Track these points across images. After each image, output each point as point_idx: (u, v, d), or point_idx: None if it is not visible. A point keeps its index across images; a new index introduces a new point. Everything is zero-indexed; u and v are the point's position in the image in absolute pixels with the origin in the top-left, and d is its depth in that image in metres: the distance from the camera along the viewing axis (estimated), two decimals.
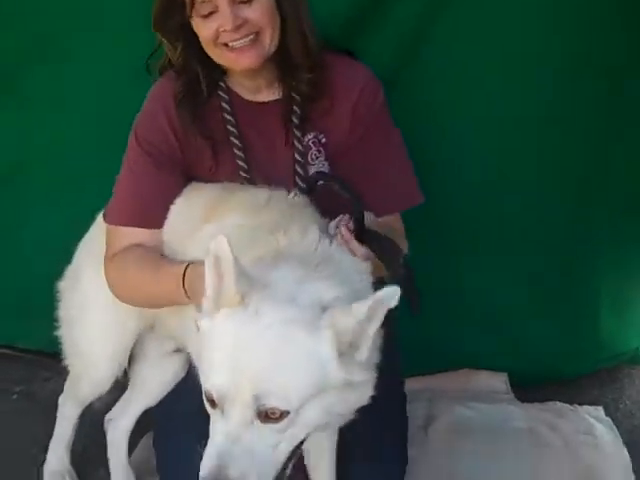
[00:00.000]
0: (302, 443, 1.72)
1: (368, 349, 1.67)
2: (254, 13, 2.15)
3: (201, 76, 2.31)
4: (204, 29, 2.19)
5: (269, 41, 2.20)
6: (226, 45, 2.19)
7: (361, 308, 1.62)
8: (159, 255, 2.27)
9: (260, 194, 2.19)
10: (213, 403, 1.64)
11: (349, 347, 1.66)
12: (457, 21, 2.77)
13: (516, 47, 2.80)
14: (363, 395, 1.75)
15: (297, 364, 1.63)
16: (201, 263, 1.93)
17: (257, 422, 1.60)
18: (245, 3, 2.14)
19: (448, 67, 2.84)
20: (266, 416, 1.59)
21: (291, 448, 1.67)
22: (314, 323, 1.64)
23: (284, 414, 1.60)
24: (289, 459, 1.68)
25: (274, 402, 1.59)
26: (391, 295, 1.61)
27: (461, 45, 2.80)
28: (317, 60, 2.30)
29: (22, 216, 3.29)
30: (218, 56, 2.25)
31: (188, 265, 2.07)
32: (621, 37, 2.80)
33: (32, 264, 3.25)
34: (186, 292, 2.05)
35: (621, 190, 3.15)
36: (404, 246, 2.30)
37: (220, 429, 1.62)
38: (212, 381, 1.64)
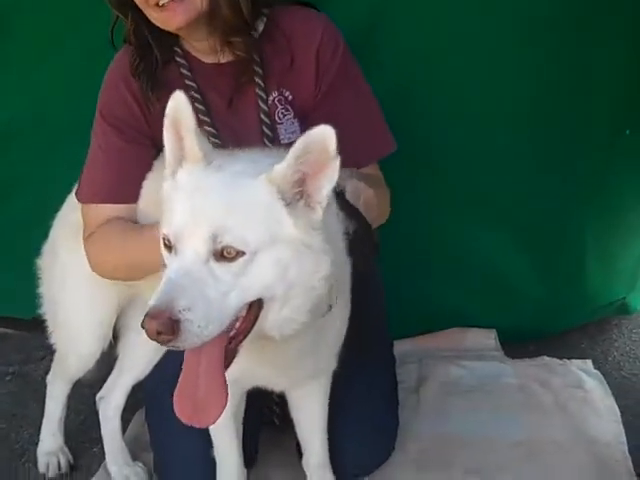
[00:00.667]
0: (255, 317, 1.71)
1: (322, 208, 1.68)
2: None
3: (152, 43, 2.30)
4: None
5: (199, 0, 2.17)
6: (157, 5, 2.15)
7: (290, 152, 1.65)
8: (137, 224, 2.29)
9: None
10: (169, 248, 1.68)
11: (299, 200, 1.69)
12: None
13: None
14: (320, 264, 1.72)
15: (251, 209, 1.67)
16: None
17: (212, 262, 1.62)
18: None
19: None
20: (221, 255, 1.62)
21: (241, 302, 1.66)
22: (262, 173, 1.68)
23: (239, 254, 1.62)
24: (236, 319, 1.68)
25: (229, 239, 1.61)
26: (323, 133, 1.65)
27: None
28: (254, 19, 2.27)
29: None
30: (152, 18, 2.22)
31: None
32: None
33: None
34: None
35: (604, 141, 3.14)
36: (385, 194, 2.31)
37: (174, 266, 1.64)
38: (170, 223, 1.67)
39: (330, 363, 2.23)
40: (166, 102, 2.24)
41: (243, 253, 1.62)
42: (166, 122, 1.74)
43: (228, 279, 1.63)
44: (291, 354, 1.96)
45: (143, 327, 1.56)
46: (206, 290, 1.60)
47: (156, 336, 1.56)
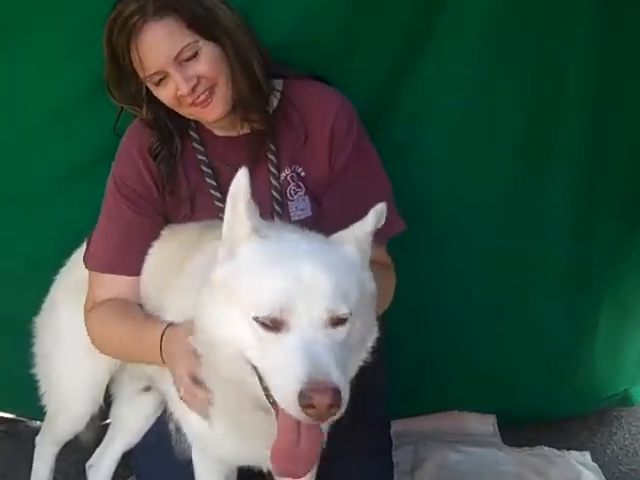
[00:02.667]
0: None
1: None
2: (203, 67, 2.14)
3: (172, 128, 2.31)
4: (163, 95, 2.20)
5: (226, 88, 2.19)
6: (191, 103, 2.19)
7: (368, 220, 1.79)
8: (139, 311, 2.25)
9: None
10: (269, 327, 1.62)
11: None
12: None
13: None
14: (373, 329, 1.82)
15: (349, 273, 1.73)
16: (180, 325, 1.99)
17: (329, 329, 1.63)
18: (191, 60, 2.13)
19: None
20: (333, 323, 1.64)
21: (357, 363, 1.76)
22: (340, 240, 1.79)
23: (346, 318, 1.65)
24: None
25: (345, 308, 1.65)
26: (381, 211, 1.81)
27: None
28: (266, 96, 2.28)
29: None
30: (187, 114, 2.26)
31: (168, 326, 2.05)
32: None
33: None
34: (162, 354, 2.04)
35: (613, 237, 3.14)
36: (390, 281, 2.30)
37: (295, 340, 1.60)
38: (271, 301, 1.62)
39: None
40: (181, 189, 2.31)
41: (349, 315, 1.66)
42: (229, 198, 1.73)
43: (343, 342, 1.65)
44: None
45: (306, 405, 1.53)
46: (338, 357, 1.60)
47: (327, 411, 1.54)
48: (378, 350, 1.85)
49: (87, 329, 2.32)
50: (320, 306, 1.62)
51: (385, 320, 1.98)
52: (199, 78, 2.15)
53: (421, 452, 3.17)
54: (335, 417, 1.57)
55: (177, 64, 2.12)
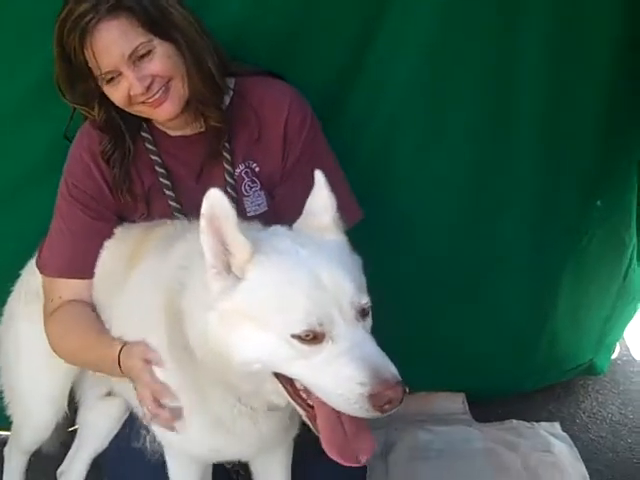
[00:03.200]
0: None
1: None
2: (157, 66, 2.12)
3: (124, 129, 2.27)
4: (114, 95, 2.17)
5: (181, 87, 2.17)
6: (142, 102, 2.16)
7: (320, 192, 1.86)
8: (95, 320, 2.23)
9: (173, 226, 2.18)
10: (309, 340, 1.63)
11: None
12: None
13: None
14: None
15: (348, 260, 1.78)
16: (135, 344, 2.01)
17: (361, 323, 1.68)
18: (144, 57, 2.11)
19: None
20: (362, 315, 1.69)
21: None
22: (312, 227, 1.83)
23: (369, 308, 1.72)
24: None
25: (364, 297, 1.71)
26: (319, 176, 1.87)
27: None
28: (222, 94, 2.27)
29: None
30: (137, 112, 2.23)
31: (123, 346, 2.05)
32: None
33: None
34: (121, 369, 2.05)
35: (575, 210, 3.17)
36: None
37: (341, 348, 1.62)
38: (307, 315, 1.63)
39: (293, 429, 2.19)
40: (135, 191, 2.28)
41: (370, 306, 1.73)
42: (203, 222, 1.70)
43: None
44: (275, 420, 1.97)
45: (381, 404, 1.58)
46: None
47: (400, 403, 1.59)
48: None
49: (47, 336, 2.29)
50: (348, 305, 1.66)
51: None
52: (153, 77, 2.12)
53: (392, 436, 3.19)
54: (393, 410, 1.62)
55: (131, 63, 2.10)
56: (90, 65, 2.14)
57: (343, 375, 1.60)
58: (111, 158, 2.27)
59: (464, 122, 2.88)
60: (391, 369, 1.60)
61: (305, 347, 1.64)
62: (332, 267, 1.69)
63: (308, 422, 1.77)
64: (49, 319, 2.29)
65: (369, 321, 1.72)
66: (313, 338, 1.63)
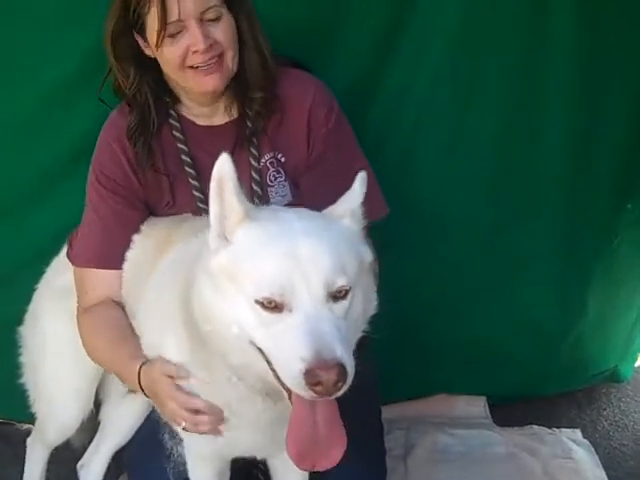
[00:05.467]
0: None
1: None
2: (221, 33, 2.14)
3: (152, 105, 2.28)
4: (172, 51, 2.15)
5: (231, 62, 2.19)
6: (192, 67, 2.16)
7: (355, 190, 1.81)
8: (126, 327, 2.23)
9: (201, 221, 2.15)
10: (270, 308, 1.63)
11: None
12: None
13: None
14: (373, 301, 1.83)
15: (343, 244, 1.73)
16: (153, 363, 2.02)
17: (330, 304, 1.64)
18: (213, 22, 2.13)
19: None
20: (334, 297, 1.65)
21: (356, 337, 1.76)
22: (333, 214, 1.81)
23: (347, 291, 1.67)
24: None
25: (343, 281, 1.66)
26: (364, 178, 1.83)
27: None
28: (272, 78, 2.28)
29: None
30: (184, 79, 2.21)
31: (142, 366, 2.06)
32: None
33: None
34: (144, 391, 2.07)
35: (607, 215, 3.15)
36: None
37: (300, 318, 1.61)
38: (270, 282, 1.63)
39: None
40: (159, 168, 2.29)
41: (349, 289, 1.68)
42: (212, 185, 1.73)
43: (344, 316, 1.67)
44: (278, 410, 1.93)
45: (314, 383, 1.55)
46: (341, 331, 1.62)
47: (334, 387, 1.55)
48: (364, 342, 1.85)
49: (79, 328, 2.31)
50: (319, 282, 1.64)
51: None
52: (213, 44, 2.13)
53: (411, 438, 3.18)
54: (341, 392, 1.58)
55: (198, 20, 2.11)
56: (149, 19, 2.13)
57: (289, 347, 1.59)
58: (134, 134, 2.27)
59: (492, 121, 2.88)
60: (335, 352, 1.56)
61: (266, 314, 1.64)
62: (315, 242, 1.68)
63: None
64: (83, 314, 2.31)
65: (342, 305, 1.67)
66: (274, 307, 1.63)
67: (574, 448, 3.10)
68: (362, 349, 1.85)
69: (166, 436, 2.23)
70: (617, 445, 3.25)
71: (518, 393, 3.39)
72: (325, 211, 1.84)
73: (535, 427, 3.25)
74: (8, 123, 2.71)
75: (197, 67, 2.16)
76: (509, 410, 3.38)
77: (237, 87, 2.27)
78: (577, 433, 3.22)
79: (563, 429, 3.24)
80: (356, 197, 1.82)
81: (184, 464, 2.22)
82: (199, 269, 1.81)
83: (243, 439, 2.06)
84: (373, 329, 1.85)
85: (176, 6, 2.09)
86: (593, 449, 3.11)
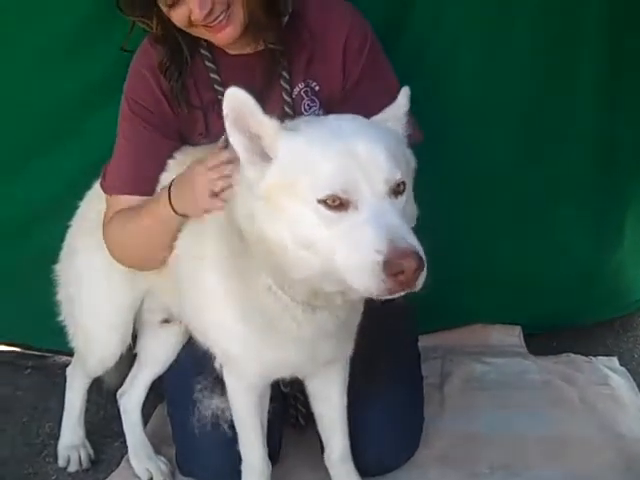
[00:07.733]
0: None
1: None
2: None
3: (182, 42, 2.27)
4: (175, 17, 2.16)
5: (241, 11, 2.15)
6: (204, 26, 2.15)
7: (400, 101, 1.90)
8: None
9: None
10: (335, 206, 1.64)
11: None
12: None
13: None
14: (415, 209, 1.83)
15: (394, 142, 1.77)
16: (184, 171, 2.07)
17: (392, 198, 1.68)
18: None
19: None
20: (394, 192, 1.69)
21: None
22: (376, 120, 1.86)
23: (404, 185, 1.71)
24: None
25: (398, 174, 1.69)
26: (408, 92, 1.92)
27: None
28: (280, 17, 2.25)
29: None
30: (198, 34, 2.22)
31: (173, 180, 2.12)
32: None
33: None
34: (172, 205, 2.10)
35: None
36: None
37: (363, 215, 1.63)
38: (332, 180, 1.65)
39: (348, 347, 2.23)
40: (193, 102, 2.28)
41: (404, 183, 1.71)
42: (228, 123, 1.74)
43: (403, 212, 1.69)
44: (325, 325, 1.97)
45: (396, 272, 1.55)
46: (408, 225, 1.66)
47: (414, 275, 1.56)
48: None
49: (106, 242, 2.33)
50: (380, 178, 1.66)
51: None
52: (214, 3, 2.10)
53: (447, 367, 3.20)
54: (420, 282, 1.60)
55: None
56: None
57: (362, 243, 1.60)
58: (168, 70, 2.27)
59: (528, 35, 2.87)
60: (409, 240, 1.59)
61: (330, 213, 1.65)
62: (368, 139, 1.69)
63: None
64: (107, 225, 2.33)
65: (401, 200, 1.70)
66: (339, 205, 1.64)
67: (611, 375, 3.08)
68: None
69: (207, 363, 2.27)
70: None
71: (554, 323, 3.38)
72: (372, 118, 1.85)
73: (571, 355, 3.24)
74: (39, 56, 2.72)
75: (207, 26, 2.14)
76: (544, 340, 3.37)
77: (248, 29, 2.23)
78: (614, 361, 3.20)
79: (600, 357, 3.22)
80: (401, 107, 1.85)
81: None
82: (243, 197, 1.83)
83: (285, 356, 2.08)
84: None
85: None
86: (630, 376, 3.09)
